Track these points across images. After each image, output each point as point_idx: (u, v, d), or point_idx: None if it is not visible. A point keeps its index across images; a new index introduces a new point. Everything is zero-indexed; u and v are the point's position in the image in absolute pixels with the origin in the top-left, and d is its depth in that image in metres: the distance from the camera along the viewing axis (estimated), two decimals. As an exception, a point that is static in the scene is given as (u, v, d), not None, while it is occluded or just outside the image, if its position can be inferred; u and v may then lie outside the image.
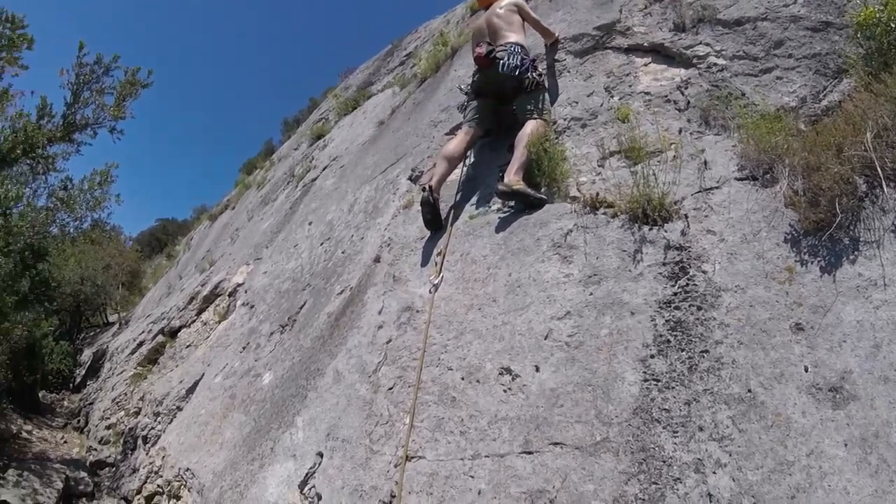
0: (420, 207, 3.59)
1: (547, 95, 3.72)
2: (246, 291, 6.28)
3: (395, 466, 2.47)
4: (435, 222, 3.57)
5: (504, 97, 3.80)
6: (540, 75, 3.72)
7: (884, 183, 2.20)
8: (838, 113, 2.67)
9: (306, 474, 2.86)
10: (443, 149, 3.85)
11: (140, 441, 5.97)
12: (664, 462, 1.93)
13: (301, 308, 4.57)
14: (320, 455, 2.89)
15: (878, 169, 2.22)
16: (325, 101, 12.34)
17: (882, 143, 2.28)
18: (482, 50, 3.71)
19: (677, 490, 1.85)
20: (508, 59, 3.63)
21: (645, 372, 2.18)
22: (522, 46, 3.81)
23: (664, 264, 2.49)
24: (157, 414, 5.79)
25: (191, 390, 5.48)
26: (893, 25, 2.63)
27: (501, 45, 3.77)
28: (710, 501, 1.78)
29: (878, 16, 2.70)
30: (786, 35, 3.21)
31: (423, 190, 3.53)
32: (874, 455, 1.71)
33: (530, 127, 3.42)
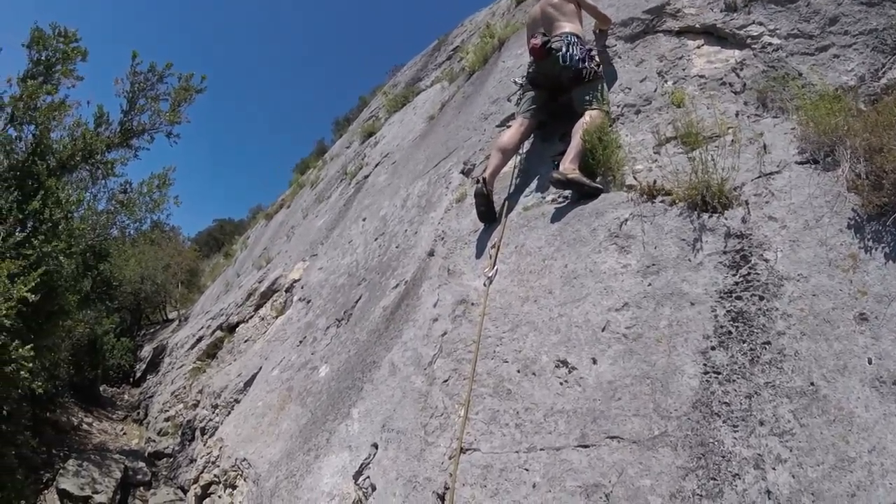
0: (473, 199, 3.59)
1: (605, 85, 3.64)
2: (302, 287, 6.44)
3: (450, 458, 2.49)
4: (489, 214, 3.56)
5: (560, 88, 3.75)
6: (598, 65, 3.65)
7: None
8: None
9: (361, 465, 2.92)
10: (496, 140, 3.83)
11: (198, 432, 6.21)
12: (723, 457, 1.88)
13: (356, 302, 4.66)
14: (375, 446, 2.95)
15: None
16: (375, 99, 12.51)
17: None
18: (538, 41, 3.67)
19: (735, 486, 1.80)
20: (566, 50, 3.58)
21: (705, 364, 2.12)
22: (578, 36, 3.75)
23: (724, 253, 2.41)
24: (215, 406, 6.02)
25: (248, 383, 5.67)
26: None
27: (557, 36, 3.73)
28: (769, 498, 1.73)
29: None
30: (840, 11, 3.04)
31: (477, 182, 3.53)
32: None
33: (589, 116, 3.37)
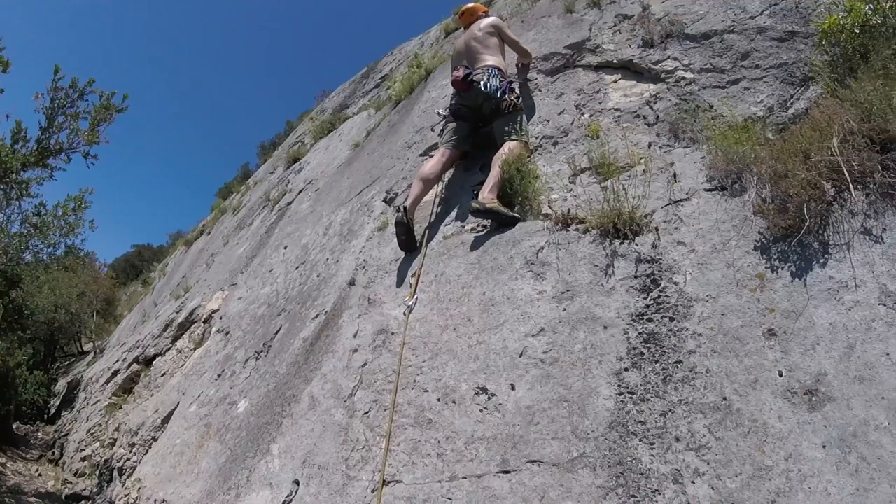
0: (394, 228, 3.57)
1: (524, 117, 3.74)
2: (221, 318, 6.18)
3: (373, 492, 2.42)
4: (409, 243, 3.55)
5: (481, 119, 3.83)
6: (518, 97, 3.75)
7: (851, 186, 2.22)
8: (805, 120, 2.70)
9: (283, 503, 2.79)
10: (419, 170, 3.86)
11: (116, 473, 5.83)
12: (642, 474, 1.91)
13: (276, 334, 4.50)
14: (297, 483, 2.83)
15: (846, 172, 2.24)
16: (302, 124, 12.39)
17: (849, 147, 2.31)
18: (460, 73, 3.74)
19: (656, 501, 1.83)
20: (487, 82, 3.66)
21: (619, 385, 2.17)
22: (500, 69, 3.85)
23: (636, 277, 2.49)
24: (132, 445, 5.65)
25: (166, 420, 5.37)
26: (858, 31, 2.67)
27: (479, 68, 3.81)
28: None
29: (842, 22, 2.73)
30: (752, 46, 3.26)
31: (398, 211, 3.52)
32: (853, 454, 1.71)
33: (508, 147, 3.44)
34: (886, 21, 2.59)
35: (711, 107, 3.14)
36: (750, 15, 3.44)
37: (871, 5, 2.61)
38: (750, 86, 3.13)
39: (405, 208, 3.50)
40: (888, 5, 2.55)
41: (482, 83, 3.65)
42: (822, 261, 2.18)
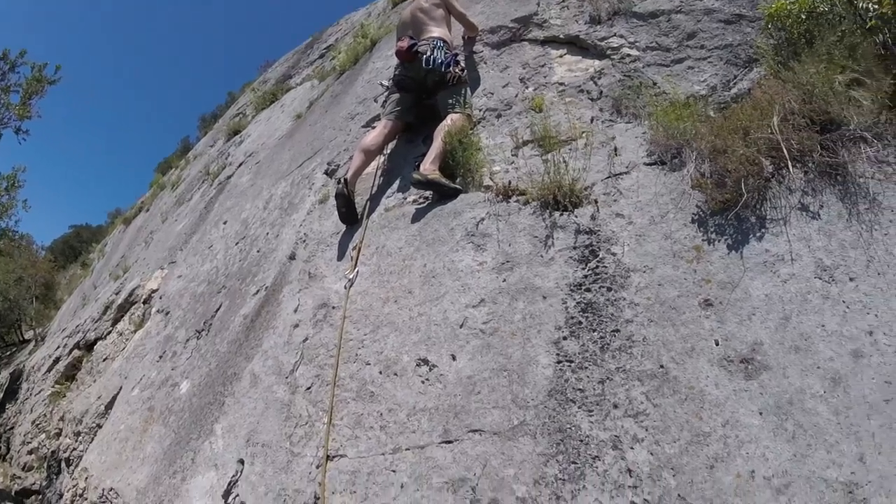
0: (335, 201, 3.51)
1: (468, 90, 3.71)
2: (161, 297, 5.98)
3: (317, 467, 2.40)
4: (350, 216, 3.50)
5: (425, 91, 3.78)
6: (462, 70, 3.71)
7: (790, 163, 2.28)
8: (747, 99, 2.74)
9: (229, 483, 2.75)
10: (360, 141, 3.79)
11: (63, 464, 5.61)
12: (581, 441, 1.94)
13: (217, 311, 4.38)
14: (241, 462, 2.79)
15: (784, 150, 2.29)
16: (243, 95, 11.96)
17: (788, 126, 2.36)
18: (404, 44, 3.68)
19: (596, 468, 1.86)
20: (431, 54, 3.61)
21: (558, 354, 2.20)
22: (445, 41, 3.81)
23: (575, 248, 2.52)
24: (77, 433, 5.46)
25: (109, 406, 5.20)
26: (804, 17, 2.71)
27: (424, 40, 3.76)
28: (630, 476, 1.81)
29: (789, 7, 2.77)
30: (699, 27, 3.30)
31: (338, 183, 3.46)
32: (790, 421, 1.76)
33: (451, 119, 3.41)
34: (833, 9, 2.64)
35: (655, 84, 3.17)
36: None
37: None
38: (694, 65, 3.17)
39: (345, 180, 3.44)
40: None
41: (427, 55, 3.61)
42: (758, 234, 2.24)
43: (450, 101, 3.57)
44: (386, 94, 4.10)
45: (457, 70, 3.64)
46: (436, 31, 3.85)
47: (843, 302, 1.96)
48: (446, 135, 3.27)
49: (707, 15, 3.33)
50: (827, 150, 2.30)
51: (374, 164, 3.81)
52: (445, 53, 3.66)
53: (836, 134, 2.32)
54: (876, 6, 2.42)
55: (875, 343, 1.85)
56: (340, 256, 3.40)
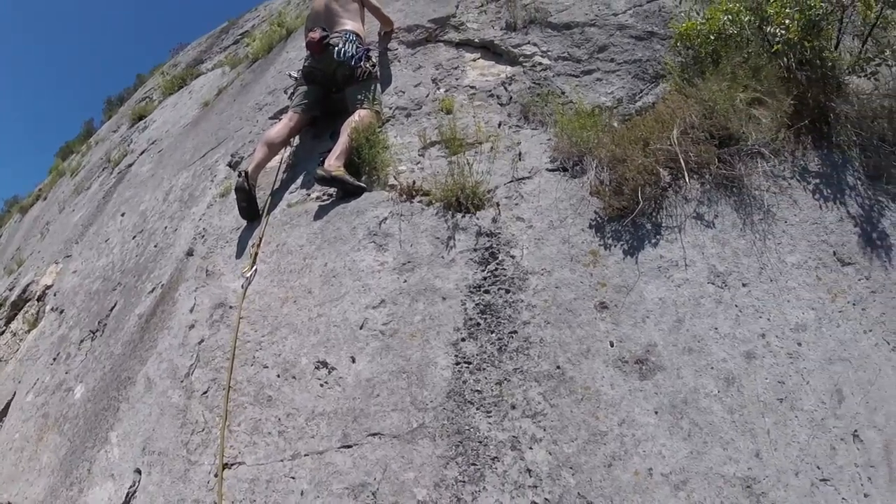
0: (235, 195, 3.39)
1: (378, 86, 3.67)
2: (55, 294, 5.57)
3: (216, 476, 2.31)
4: (251, 211, 3.38)
5: (334, 85, 3.71)
6: (373, 65, 3.68)
7: (686, 175, 2.41)
8: (650, 113, 2.87)
9: (127, 495, 2.60)
10: (265, 134, 3.68)
11: None
12: (480, 442, 1.96)
13: (111, 310, 4.13)
14: (138, 472, 2.64)
15: (682, 162, 2.42)
16: (152, 78, 11.30)
17: (688, 139, 2.49)
18: (316, 35, 3.59)
19: (496, 468, 1.89)
20: (343, 47, 3.55)
21: (456, 355, 2.22)
22: (358, 35, 3.75)
23: (475, 250, 2.55)
24: None
25: (3, 413, 4.77)
26: (713, 37, 2.85)
27: (336, 32, 3.68)
28: (530, 476, 1.84)
29: (699, 28, 2.91)
30: (611, 41, 3.41)
31: (239, 176, 3.34)
32: (685, 420, 1.84)
33: (359, 115, 3.37)
34: (742, 32, 2.78)
35: (563, 93, 3.26)
36: (613, 12, 3.60)
37: (729, 17, 2.79)
38: (603, 77, 3.28)
39: (246, 173, 3.33)
40: (745, 19, 2.74)
41: (338, 48, 3.54)
42: (653, 241, 2.34)
43: (359, 96, 3.52)
44: (294, 86, 3.99)
45: (367, 65, 3.60)
46: (349, 24, 3.78)
47: (736, 306, 2.09)
48: (353, 131, 3.23)
49: (620, 30, 3.47)
50: (724, 164, 2.45)
51: (277, 158, 3.72)
52: (357, 47, 3.62)
53: (735, 148, 2.47)
54: (783, 31, 2.58)
55: (768, 345, 1.98)
56: (240, 253, 3.28)
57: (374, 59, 3.75)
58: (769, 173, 2.41)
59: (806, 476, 1.73)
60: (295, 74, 4.05)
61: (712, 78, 2.70)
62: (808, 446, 1.78)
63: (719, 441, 1.81)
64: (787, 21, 2.56)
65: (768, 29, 2.70)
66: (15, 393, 4.79)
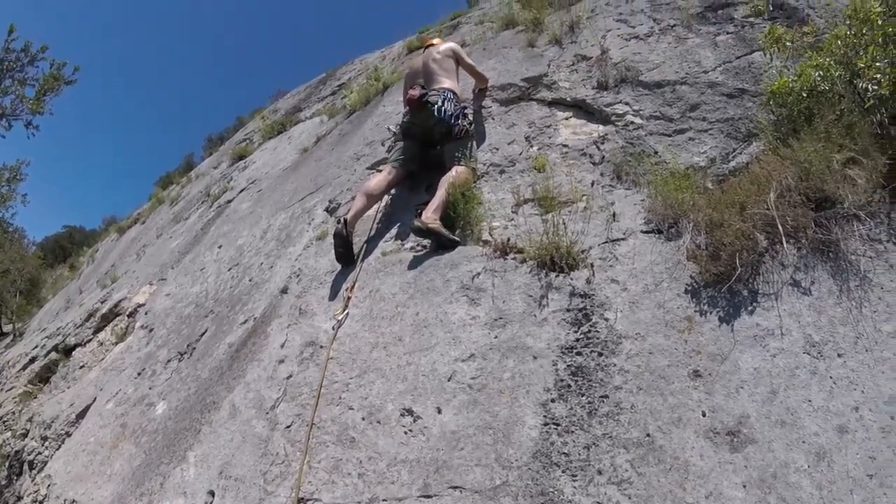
0: (333, 240, 3.51)
1: (475, 143, 3.77)
2: (146, 313, 5.91)
3: (291, 509, 2.33)
4: (347, 256, 3.50)
5: (431, 141, 3.83)
6: (470, 123, 3.78)
7: (784, 239, 2.33)
8: (745, 174, 2.81)
9: None
10: (363, 184, 3.82)
11: (26, 466, 5.42)
12: (564, 506, 1.91)
13: (202, 336, 4.33)
14: (212, 494, 2.71)
15: (779, 226, 2.35)
16: (252, 121, 12.05)
17: (784, 203, 2.42)
18: (416, 92, 3.74)
19: None
20: (442, 105, 3.67)
21: (545, 416, 2.19)
22: (455, 93, 3.88)
23: (568, 310, 2.54)
24: (44, 438, 5.29)
25: (81, 415, 5.06)
26: (805, 95, 2.78)
27: (434, 90, 3.82)
28: None
29: (791, 85, 2.84)
30: (702, 99, 3.39)
31: (338, 222, 3.46)
32: (773, 495, 1.76)
33: (455, 171, 3.45)
34: (833, 88, 2.71)
35: (656, 153, 3.24)
36: (703, 69, 3.58)
37: (820, 72, 2.73)
38: (695, 136, 3.25)
39: (345, 220, 3.45)
40: (836, 74, 2.67)
41: (437, 106, 3.67)
42: (750, 308, 2.27)
43: (456, 153, 3.62)
44: (392, 140, 4.15)
45: (464, 123, 3.71)
46: (446, 83, 3.92)
47: (831, 377, 1.99)
48: (450, 186, 3.31)
49: (711, 88, 3.43)
50: (821, 228, 2.35)
51: (374, 208, 3.84)
52: (454, 105, 3.73)
53: (831, 212, 2.38)
54: (875, 87, 2.50)
55: (861, 419, 1.87)
56: (333, 296, 3.38)
57: (470, 118, 3.86)
58: (865, 237, 2.30)
59: (889, 557, 1.60)
60: (393, 128, 4.21)
61: (806, 137, 2.62)
62: (895, 526, 1.65)
63: None
64: (878, 76, 2.48)
65: (860, 84, 2.61)
66: (95, 399, 5.06)
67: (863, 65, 2.54)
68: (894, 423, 1.85)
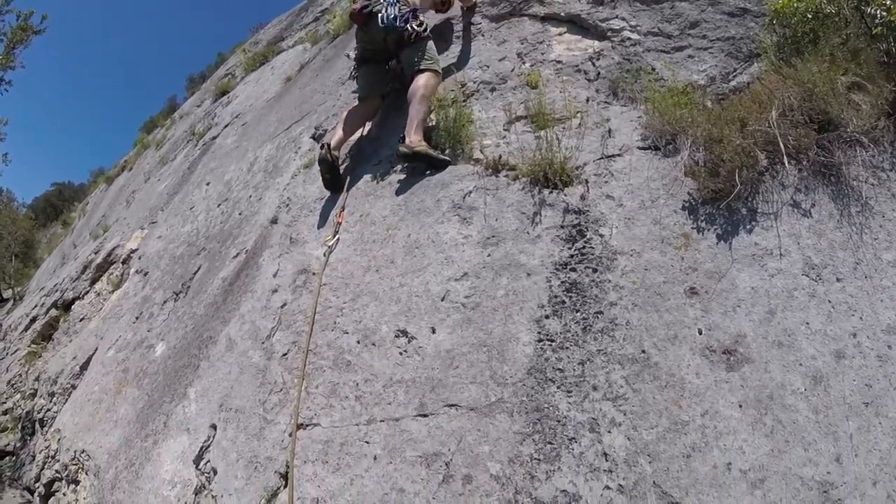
0: (318, 166, 3.41)
1: (432, 44, 3.53)
2: (140, 258, 5.91)
3: (291, 435, 2.37)
4: (334, 182, 3.41)
5: (388, 55, 3.64)
6: (420, 24, 3.48)
7: (785, 159, 2.26)
8: (746, 92, 2.72)
9: (201, 448, 2.72)
10: (343, 112, 3.67)
11: (37, 425, 5.56)
12: (559, 422, 1.93)
13: (195, 274, 4.32)
14: (214, 427, 2.76)
15: (781, 145, 2.28)
16: (233, 56, 11.72)
17: (786, 122, 2.34)
18: (357, 5, 3.48)
19: (572, 449, 1.85)
20: (385, 11, 3.39)
21: (539, 332, 2.17)
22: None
23: (562, 227, 2.48)
24: (52, 394, 5.42)
25: (84, 366, 5.14)
26: (810, 16, 2.67)
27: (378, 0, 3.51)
28: (606, 460, 1.80)
29: (795, 5, 2.73)
30: (702, 17, 3.24)
31: (322, 148, 3.35)
32: (769, 416, 1.76)
33: (421, 80, 3.27)
34: (840, 12, 2.61)
35: (654, 70, 3.12)
36: None
37: None
38: (695, 54, 3.12)
39: (329, 145, 3.34)
40: None
41: (380, 15, 3.39)
42: (748, 227, 2.23)
43: (414, 58, 3.40)
44: (354, 70, 3.92)
45: (414, 25, 3.43)
46: None
47: (829, 301, 1.97)
48: (421, 98, 3.17)
49: (712, 5, 3.27)
50: (823, 150, 2.30)
51: (358, 134, 3.74)
52: (400, 9, 3.44)
53: (834, 134, 2.31)
54: (884, 13, 2.41)
55: (858, 345, 1.86)
56: (323, 223, 3.34)
57: (421, 18, 3.55)
58: (868, 163, 2.25)
59: (883, 487, 1.62)
60: (352, 54, 3.97)
61: (810, 58, 2.52)
62: (889, 456, 1.67)
63: (801, 441, 1.72)
64: (887, 2, 2.37)
65: (867, 10, 2.51)
66: (97, 348, 5.12)
67: (872, -10, 2.44)
68: (891, 353, 1.84)
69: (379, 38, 3.54)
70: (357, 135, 3.72)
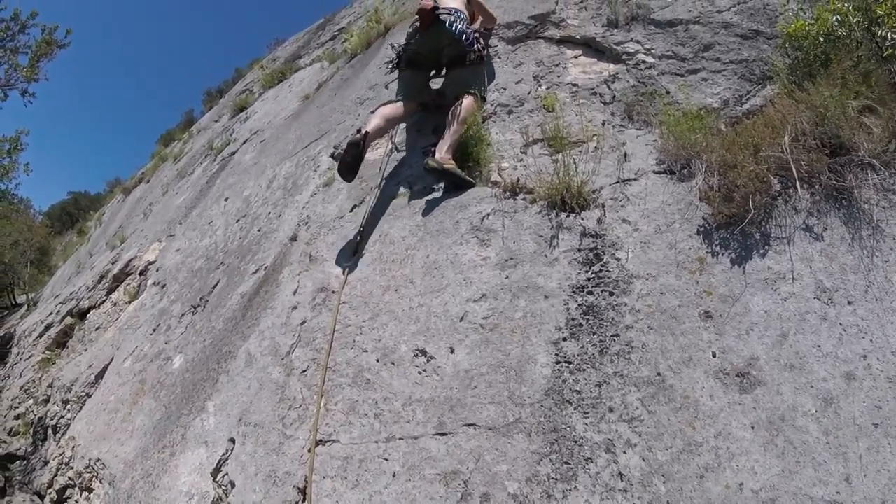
0: (345, 148, 3.27)
1: (486, 74, 3.58)
2: (157, 270, 5.97)
3: (309, 451, 2.40)
4: (351, 170, 3.30)
5: (439, 66, 3.62)
6: (484, 48, 3.53)
7: (798, 183, 2.28)
8: (759, 116, 2.74)
9: (219, 461, 2.75)
10: (380, 108, 3.55)
11: (50, 431, 5.59)
12: (575, 442, 1.95)
13: (214, 288, 4.37)
14: (232, 441, 2.78)
15: (794, 170, 2.30)
16: (251, 72, 11.86)
17: (799, 147, 2.36)
18: (428, 3, 3.40)
19: (588, 469, 1.87)
20: (457, 25, 3.41)
21: (557, 354, 2.20)
22: (467, 16, 3.63)
23: (579, 250, 2.52)
24: (66, 402, 5.44)
25: (100, 375, 5.18)
26: (822, 39, 2.70)
27: (446, 9, 3.52)
28: (622, 480, 1.82)
29: (807, 28, 2.76)
30: (716, 39, 3.28)
31: (357, 132, 3.25)
32: (781, 437, 1.77)
33: (467, 101, 3.27)
34: (851, 34, 2.63)
35: (668, 93, 3.16)
36: (717, 9, 3.45)
37: (838, 17, 2.65)
38: (708, 77, 3.16)
39: (367, 133, 3.24)
40: (854, 20, 2.59)
41: (449, 22, 3.39)
42: (762, 251, 2.24)
43: (468, 81, 3.40)
44: (393, 66, 3.88)
45: (479, 47, 3.46)
46: (458, 4, 3.61)
47: (840, 324, 1.98)
48: (463, 121, 3.16)
49: (725, 28, 3.32)
50: (835, 174, 2.31)
51: (381, 151, 3.77)
52: (468, 27, 3.47)
53: (845, 158, 2.32)
54: (894, 36, 2.43)
55: (868, 367, 1.86)
56: (342, 241, 3.39)
57: (483, 43, 3.59)
58: (879, 186, 2.25)
59: (890, 507, 1.63)
60: (395, 49, 3.85)
61: (822, 82, 2.54)
62: (897, 476, 1.68)
63: (812, 462, 1.72)
64: None
65: (878, 32, 2.53)
66: (113, 358, 5.15)
67: (882, 12, 2.46)
68: (901, 375, 1.85)
69: (437, 48, 3.51)
70: (379, 153, 3.73)
